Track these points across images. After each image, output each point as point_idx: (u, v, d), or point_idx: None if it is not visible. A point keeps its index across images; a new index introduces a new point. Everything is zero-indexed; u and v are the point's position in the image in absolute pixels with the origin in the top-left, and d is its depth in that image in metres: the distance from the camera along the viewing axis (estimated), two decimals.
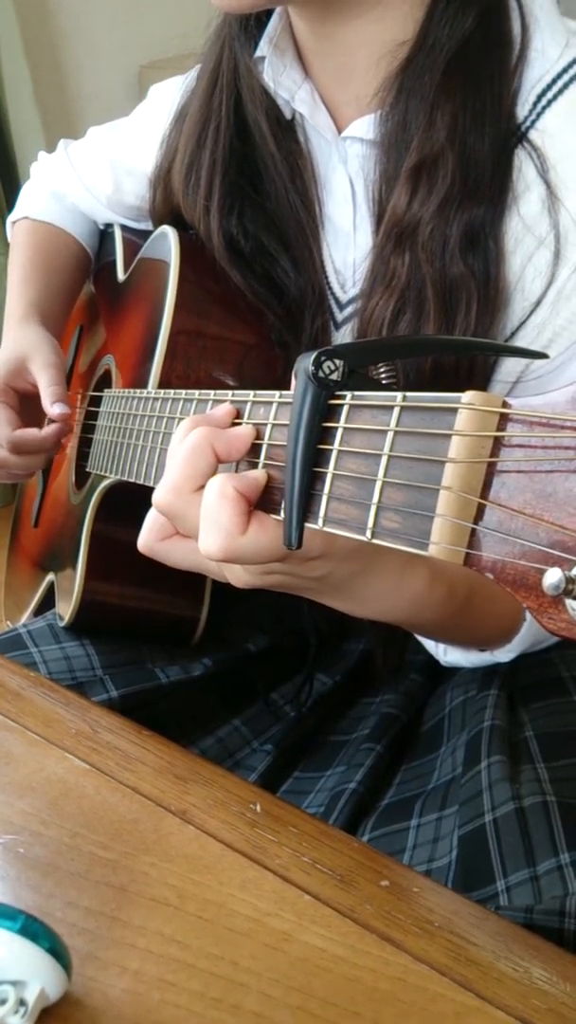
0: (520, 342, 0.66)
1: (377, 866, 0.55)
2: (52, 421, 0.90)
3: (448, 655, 0.76)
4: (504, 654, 0.71)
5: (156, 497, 0.50)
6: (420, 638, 0.76)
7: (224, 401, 0.52)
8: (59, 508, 1.01)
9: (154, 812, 0.57)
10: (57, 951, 0.44)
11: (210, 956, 0.48)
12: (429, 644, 0.76)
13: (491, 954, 0.49)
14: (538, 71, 0.64)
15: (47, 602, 0.98)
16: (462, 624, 0.64)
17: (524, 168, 0.63)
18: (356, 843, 0.57)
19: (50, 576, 0.98)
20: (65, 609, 0.85)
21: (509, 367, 0.67)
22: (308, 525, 0.43)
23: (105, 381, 0.93)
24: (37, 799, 0.58)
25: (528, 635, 0.68)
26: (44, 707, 0.68)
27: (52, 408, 0.85)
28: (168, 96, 0.87)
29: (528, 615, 0.65)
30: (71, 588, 0.84)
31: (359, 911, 0.51)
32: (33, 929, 0.43)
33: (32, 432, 0.87)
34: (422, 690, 0.84)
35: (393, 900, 0.52)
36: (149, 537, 0.55)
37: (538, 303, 0.64)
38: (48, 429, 0.87)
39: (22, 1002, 0.43)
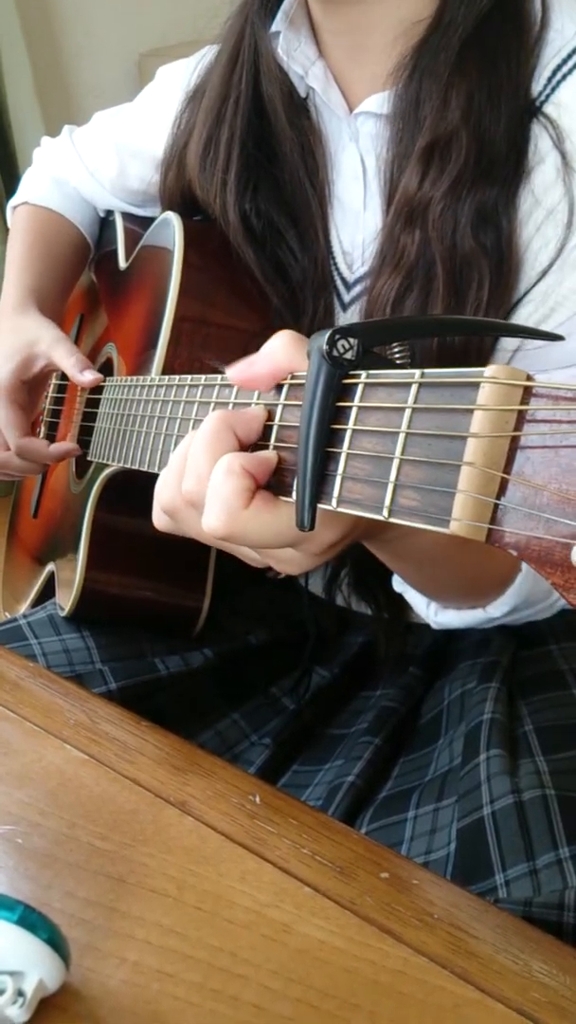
0: (524, 310, 0.66)
1: (377, 858, 0.54)
2: (55, 403, 0.89)
3: (439, 616, 0.74)
4: (497, 608, 0.69)
5: (184, 487, 0.49)
6: (411, 599, 0.75)
7: (230, 386, 0.52)
8: (59, 498, 1.01)
9: (153, 803, 0.57)
10: (55, 942, 0.44)
11: (209, 947, 0.48)
12: (420, 605, 0.75)
13: (491, 947, 0.49)
14: (554, 48, 0.64)
15: (46, 593, 0.98)
16: (463, 560, 0.63)
17: (539, 141, 0.63)
18: (356, 835, 0.57)
19: (50, 566, 0.97)
20: (65, 599, 0.85)
21: (527, 312, 0.67)
22: (321, 506, 0.42)
23: (106, 370, 0.93)
24: (35, 789, 0.58)
25: (524, 587, 0.67)
26: (43, 697, 0.68)
27: (82, 377, 0.85)
28: (177, 78, 0.87)
29: (525, 569, 0.64)
30: (72, 578, 0.83)
31: (359, 903, 0.50)
32: (31, 919, 0.43)
33: (40, 444, 0.88)
34: (421, 684, 0.84)
35: (393, 892, 0.52)
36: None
37: (544, 272, 0.64)
38: (55, 447, 0.88)
39: (20, 992, 0.43)
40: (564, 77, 0.63)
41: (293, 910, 0.50)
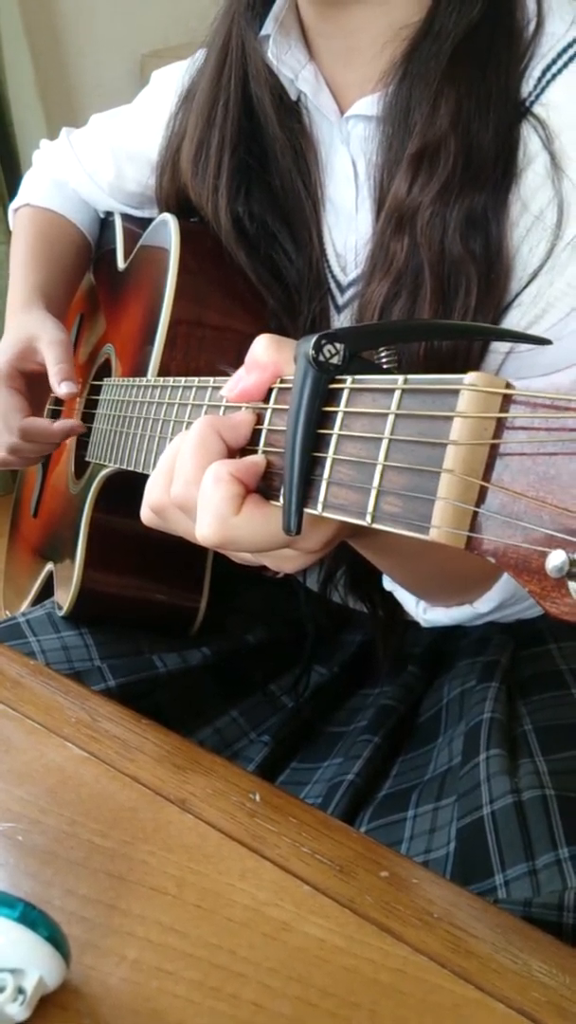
0: (514, 313, 0.65)
1: (377, 857, 0.54)
2: (56, 403, 0.89)
3: (428, 613, 0.73)
4: (484, 603, 0.69)
5: (173, 491, 0.49)
6: (400, 597, 0.75)
7: (221, 388, 0.52)
8: (58, 497, 1.01)
9: (153, 801, 0.57)
10: (56, 939, 0.44)
11: (209, 945, 0.48)
12: (409, 604, 0.75)
13: (491, 946, 0.49)
14: (544, 48, 0.64)
15: (46, 591, 0.98)
16: (446, 554, 0.62)
17: (528, 141, 0.63)
18: (355, 834, 0.57)
19: (49, 565, 0.97)
20: (64, 599, 0.85)
21: (514, 317, 0.66)
22: (307, 511, 0.42)
23: (105, 370, 0.93)
24: (36, 787, 0.58)
25: (510, 583, 0.66)
26: (43, 695, 0.68)
27: (60, 388, 0.85)
28: (171, 80, 0.87)
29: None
30: (70, 577, 0.83)
31: (358, 902, 0.50)
32: (32, 917, 0.43)
33: (43, 422, 0.88)
34: (420, 682, 0.84)
35: (393, 891, 0.52)
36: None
37: (534, 276, 0.64)
38: (59, 424, 0.87)
39: (20, 990, 0.43)
40: (553, 77, 0.63)
41: (293, 908, 0.50)
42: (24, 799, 0.57)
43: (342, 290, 0.76)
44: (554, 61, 0.63)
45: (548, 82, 0.63)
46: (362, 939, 0.48)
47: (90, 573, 0.82)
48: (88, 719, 0.65)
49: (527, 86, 0.64)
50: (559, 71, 0.63)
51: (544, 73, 0.63)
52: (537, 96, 0.63)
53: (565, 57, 0.63)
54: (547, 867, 0.59)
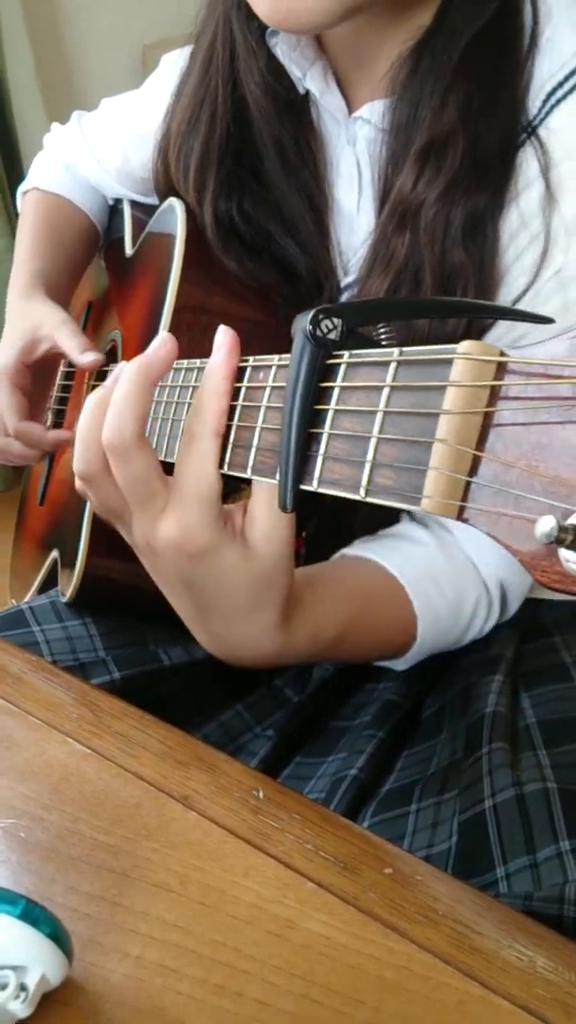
0: (497, 331, 0.66)
1: (380, 853, 0.54)
2: (63, 390, 0.88)
3: (400, 664, 0.77)
4: (401, 664, 0.72)
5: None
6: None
7: None
8: (64, 485, 1.01)
9: (156, 798, 0.57)
10: (58, 936, 0.43)
11: (212, 943, 0.48)
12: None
13: (495, 943, 0.48)
14: (552, 65, 0.63)
15: (51, 580, 0.98)
16: (339, 656, 0.67)
17: (528, 164, 0.63)
18: (358, 830, 0.57)
19: (54, 553, 0.97)
20: (67, 585, 0.84)
21: (498, 333, 0.67)
22: (303, 487, 0.42)
23: (113, 357, 0.93)
24: (38, 783, 0.58)
25: (426, 646, 0.71)
26: (45, 691, 0.68)
27: (83, 358, 0.84)
28: (177, 66, 0.86)
29: (421, 625, 0.69)
30: (73, 564, 0.83)
31: (362, 899, 0.50)
32: (34, 914, 0.43)
33: (37, 428, 0.87)
34: (424, 676, 0.84)
35: (397, 888, 0.51)
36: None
37: (516, 301, 0.64)
38: (53, 434, 0.87)
39: (23, 987, 0.42)
40: (559, 101, 0.63)
41: (296, 905, 0.50)
42: (26, 796, 0.57)
43: (340, 291, 0.75)
44: (561, 84, 0.63)
45: (554, 105, 0.63)
46: (366, 936, 0.48)
47: (94, 560, 0.82)
48: (90, 715, 0.65)
49: (534, 105, 0.63)
50: (565, 96, 0.62)
51: (551, 95, 0.63)
52: (542, 119, 0.63)
53: (572, 82, 0.62)
54: (548, 860, 0.59)
